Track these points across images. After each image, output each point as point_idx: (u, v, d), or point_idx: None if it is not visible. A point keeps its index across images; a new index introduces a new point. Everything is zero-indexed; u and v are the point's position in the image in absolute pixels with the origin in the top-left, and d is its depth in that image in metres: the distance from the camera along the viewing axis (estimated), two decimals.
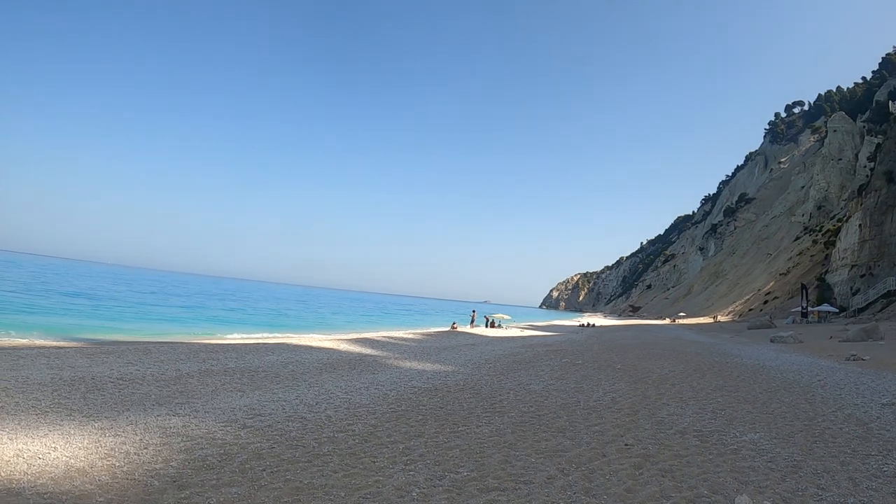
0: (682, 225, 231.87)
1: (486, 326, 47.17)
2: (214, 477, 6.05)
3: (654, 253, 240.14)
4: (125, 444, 6.98)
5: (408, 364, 16.80)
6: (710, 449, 7.79)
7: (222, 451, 6.84)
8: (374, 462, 6.80)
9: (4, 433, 7.09)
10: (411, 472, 6.44)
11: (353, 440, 7.70)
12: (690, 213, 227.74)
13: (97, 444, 6.92)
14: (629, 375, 15.27)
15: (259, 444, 7.23)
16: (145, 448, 6.82)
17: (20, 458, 6.20)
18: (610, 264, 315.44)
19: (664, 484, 6.26)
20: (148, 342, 19.41)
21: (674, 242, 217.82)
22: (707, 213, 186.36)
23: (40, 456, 6.29)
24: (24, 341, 17.69)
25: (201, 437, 7.36)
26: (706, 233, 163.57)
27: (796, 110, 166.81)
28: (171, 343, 19.11)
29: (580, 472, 6.65)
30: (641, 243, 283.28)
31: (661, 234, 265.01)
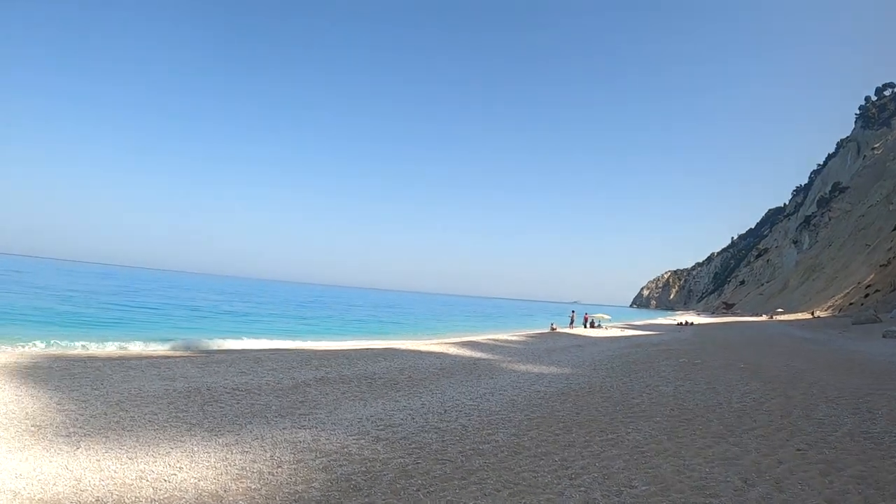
0: (773, 218, 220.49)
1: (585, 327, 45.68)
2: (367, 501, 5.39)
3: (746, 248, 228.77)
4: (256, 462, 6.41)
5: (522, 367, 16.26)
6: (893, 454, 6.94)
7: (364, 469, 6.26)
8: (536, 478, 6.11)
9: (123, 451, 6.68)
10: (583, 490, 5.74)
11: (502, 452, 7.07)
12: (782, 206, 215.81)
13: (226, 463, 6.36)
14: (757, 375, 14.23)
15: (402, 460, 6.63)
16: (279, 467, 6.23)
17: (144, 482, 5.69)
18: (700, 261, 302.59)
19: (867, 493, 5.58)
20: (256, 350, 19.36)
21: (766, 236, 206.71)
22: (799, 205, 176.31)
23: (165, 478, 5.77)
24: (137, 350, 17.97)
25: (336, 453, 6.81)
26: (799, 225, 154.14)
27: (887, 93, 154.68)
28: (278, 350, 19.04)
29: (766, 481, 5.98)
30: (732, 238, 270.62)
31: (753, 227, 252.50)
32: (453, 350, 20.69)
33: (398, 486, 5.76)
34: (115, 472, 5.96)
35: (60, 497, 5.26)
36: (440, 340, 28.04)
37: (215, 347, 20.49)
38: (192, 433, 7.54)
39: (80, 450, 6.63)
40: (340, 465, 6.31)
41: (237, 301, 62.45)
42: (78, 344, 18.55)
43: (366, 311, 68.54)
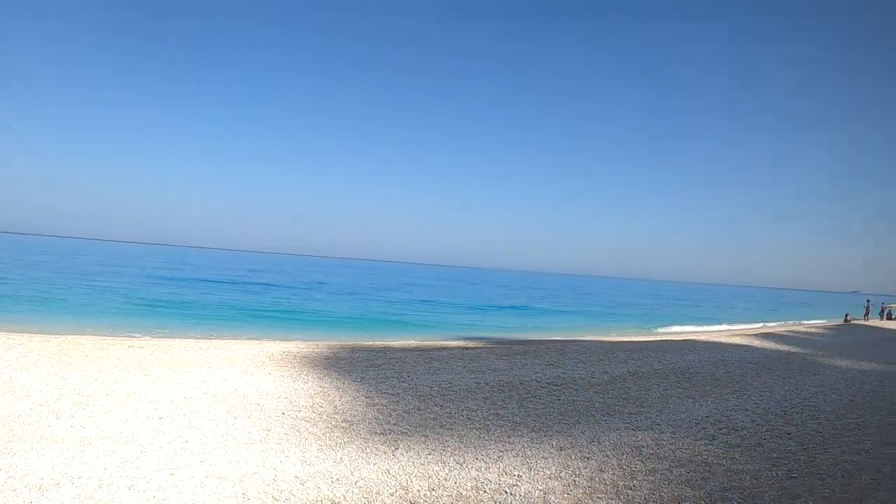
0: None
1: (882, 318, 41.41)
2: None
3: None
4: (603, 471, 5.42)
5: (839, 362, 14.69)
6: None
7: (735, 484, 5.14)
8: None
9: (448, 453, 5.71)
10: None
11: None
12: None
13: (568, 472, 5.38)
14: None
15: (770, 473, 5.47)
16: (633, 478, 5.23)
17: (482, 493, 4.76)
18: None
19: None
20: (550, 340, 18.66)
21: None
22: None
23: (506, 489, 4.81)
24: (444, 342, 17.72)
25: (689, 461, 5.79)
26: None
27: None
28: (574, 341, 18.43)
29: None
30: None
31: None
32: (756, 342, 19.19)
33: None
34: (444, 479, 5.03)
35: None
36: (733, 330, 26.94)
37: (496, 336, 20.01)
38: (518, 433, 6.64)
39: (399, 450, 5.72)
40: (704, 479, 5.27)
41: (515, 294, 62.84)
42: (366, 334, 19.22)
43: (633, 299, 64.66)
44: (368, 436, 6.10)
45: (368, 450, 5.62)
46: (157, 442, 5.39)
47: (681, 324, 31.94)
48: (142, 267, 56.90)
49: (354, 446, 5.70)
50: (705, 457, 5.91)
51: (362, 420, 6.71)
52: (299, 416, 6.69)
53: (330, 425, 6.43)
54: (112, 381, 7.68)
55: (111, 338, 12.72)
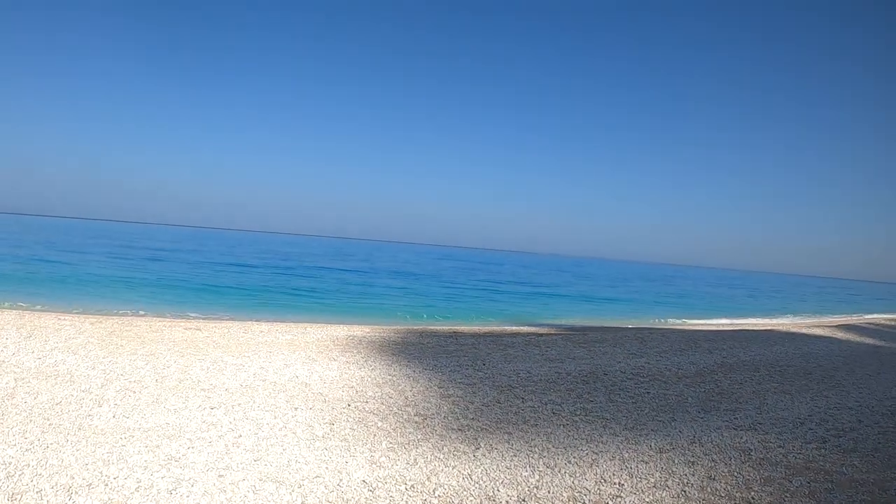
0: None
1: None
2: None
3: None
4: (713, 479, 4.75)
5: None
6: None
7: (865, 497, 4.50)
8: None
9: (535, 455, 5.07)
10: None
11: None
12: None
13: (675, 480, 4.68)
14: None
15: None
16: (748, 488, 4.60)
17: None
18: None
19: None
20: (626, 328, 17.97)
21: None
22: None
23: (608, 500, 4.21)
24: (514, 328, 16.91)
25: (807, 469, 5.15)
26: None
27: None
28: (650, 329, 17.98)
29: None
30: None
31: None
32: (840, 334, 18.45)
33: None
34: (535, 486, 4.38)
35: None
36: (811, 322, 25.90)
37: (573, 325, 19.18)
38: (611, 431, 5.98)
39: (480, 450, 5.00)
40: (828, 491, 4.66)
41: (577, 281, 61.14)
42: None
43: (694, 287, 62.13)
44: (444, 432, 5.38)
45: (445, 449, 4.90)
46: (206, 436, 4.76)
47: (749, 313, 30.85)
48: (244, 254, 57.07)
49: (429, 444, 4.99)
50: (821, 463, 5.31)
51: (436, 414, 5.96)
52: (367, 409, 5.99)
53: (401, 419, 5.70)
54: (164, 365, 7.15)
55: (168, 319, 12.38)
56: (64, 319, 10.25)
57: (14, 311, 11.40)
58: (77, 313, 12.15)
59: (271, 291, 24.32)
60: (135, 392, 5.90)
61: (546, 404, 6.63)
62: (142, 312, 13.96)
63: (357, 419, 5.57)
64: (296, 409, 5.78)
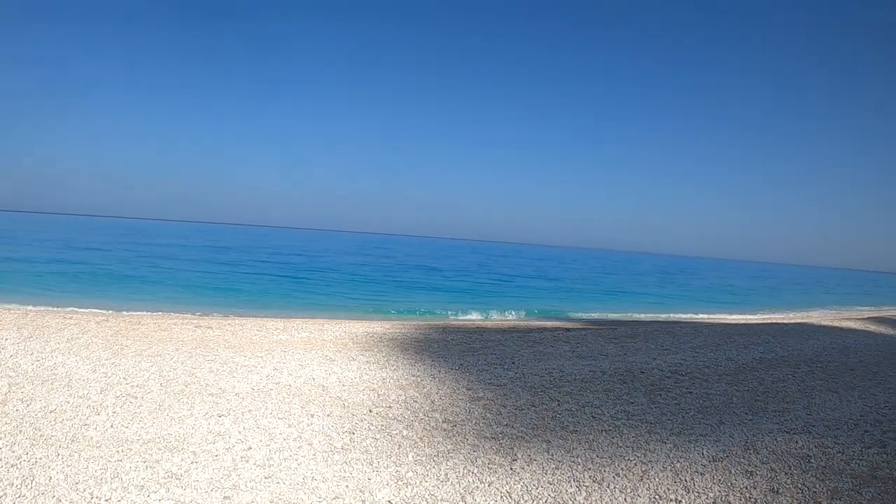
0: None
1: None
2: None
3: None
4: (777, 492, 4.28)
5: None
6: None
7: None
8: None
9: (580, 467, 4.57)
10: None
11: None
12: None
13: (734, 494, 4.23)
14: None
15: None
16: (816, 502, 4.22)
17: None
18: None
19: None
20: (655, 322, 17.99)
21: None
22: None
23: None
24: (539, 322, 16.68)
25: (871, 477, 4.73)
26: None
27: None
28: (680, 322, 17.74)
29: None
30: None
31: None
32: (873, 327, 17.87)
33: None
34: None
35: None
36: (841, 315, 25.25)
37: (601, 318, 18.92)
38: (658, 437, 5.48)
39: (517, 462, 4.52)
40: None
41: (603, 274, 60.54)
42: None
43: (719, 279, 61.61)
44: (477, 441, 4.87)
45: (479, 462, 4.40)
46: (212, 448, 4.29)
47: (776, 307, 30.36)
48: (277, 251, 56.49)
49: (461, 456, 4.48)
50: (888, 471, 4.89)
51: (467, 420, 5.46)
52: (390, 415, 5.50)
53: (428, 427, 5.19)
54: (170, 367, 6.70)
55: (178, 316, 12.00)
56: (69, 318, 9.87)
57: (18, 310, 11.11)
58: (90, 312, 11.85)
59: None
60: (136, 398, 5.45)
61: (584, 407, 6.13)
62: (156, 308, 13.67)
63: (379, 427, 5.09)
64: (312, 415, 5.30)
